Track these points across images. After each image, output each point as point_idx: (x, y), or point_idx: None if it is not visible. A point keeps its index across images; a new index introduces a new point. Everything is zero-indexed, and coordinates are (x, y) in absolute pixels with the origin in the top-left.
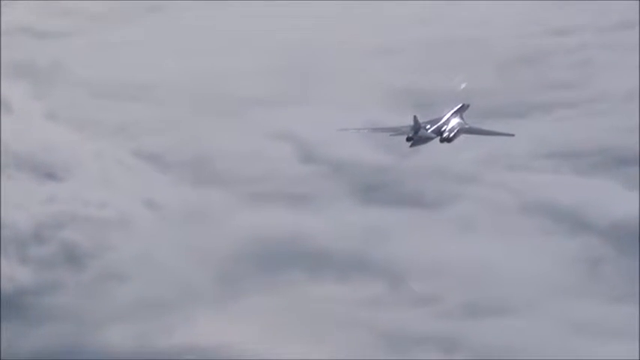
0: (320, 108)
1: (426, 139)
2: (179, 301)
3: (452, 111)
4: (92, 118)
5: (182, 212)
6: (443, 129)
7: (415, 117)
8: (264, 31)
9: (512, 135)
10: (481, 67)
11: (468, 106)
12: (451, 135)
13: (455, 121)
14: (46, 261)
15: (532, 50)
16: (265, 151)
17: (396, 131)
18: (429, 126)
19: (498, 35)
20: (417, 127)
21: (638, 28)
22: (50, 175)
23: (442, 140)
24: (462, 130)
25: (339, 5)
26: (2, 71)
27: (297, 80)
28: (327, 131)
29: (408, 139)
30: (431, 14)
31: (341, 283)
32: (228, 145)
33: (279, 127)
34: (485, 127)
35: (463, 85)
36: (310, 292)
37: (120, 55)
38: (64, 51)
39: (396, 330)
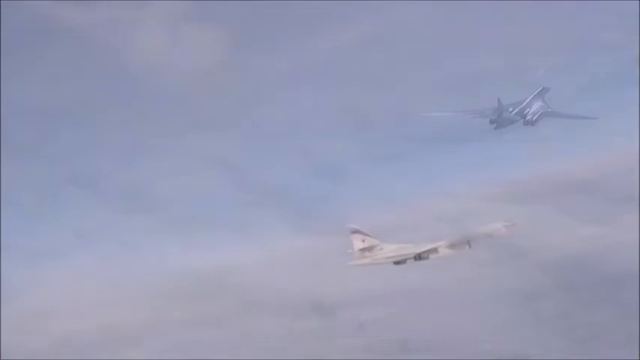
0: (254, 132)
1: (510, 122)
2: (106, 338)
3: (533, 94)
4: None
5: (111, 241)
6: (526, 112)
7: (499, 99)
8: (194, 51)
9: (596, 118)
10: (421, 84)
11: (549, 89)
12: (534, 118)
13: (537, 105)
14: None
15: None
16: (198, 176)
17: (480, 115)
18: (511, 109)
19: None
20: (500, 110)
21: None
22: None
23: (525, 123)
24: (544, 114)
25: None
26: None
27: (231, 103)
28: (260, 158)
29: (491, 122)
30: None
31: (272, 315)
32: (160, 170)
33: (213, 152)
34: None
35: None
36: (241, 326)
37: None
38: None
39: None
